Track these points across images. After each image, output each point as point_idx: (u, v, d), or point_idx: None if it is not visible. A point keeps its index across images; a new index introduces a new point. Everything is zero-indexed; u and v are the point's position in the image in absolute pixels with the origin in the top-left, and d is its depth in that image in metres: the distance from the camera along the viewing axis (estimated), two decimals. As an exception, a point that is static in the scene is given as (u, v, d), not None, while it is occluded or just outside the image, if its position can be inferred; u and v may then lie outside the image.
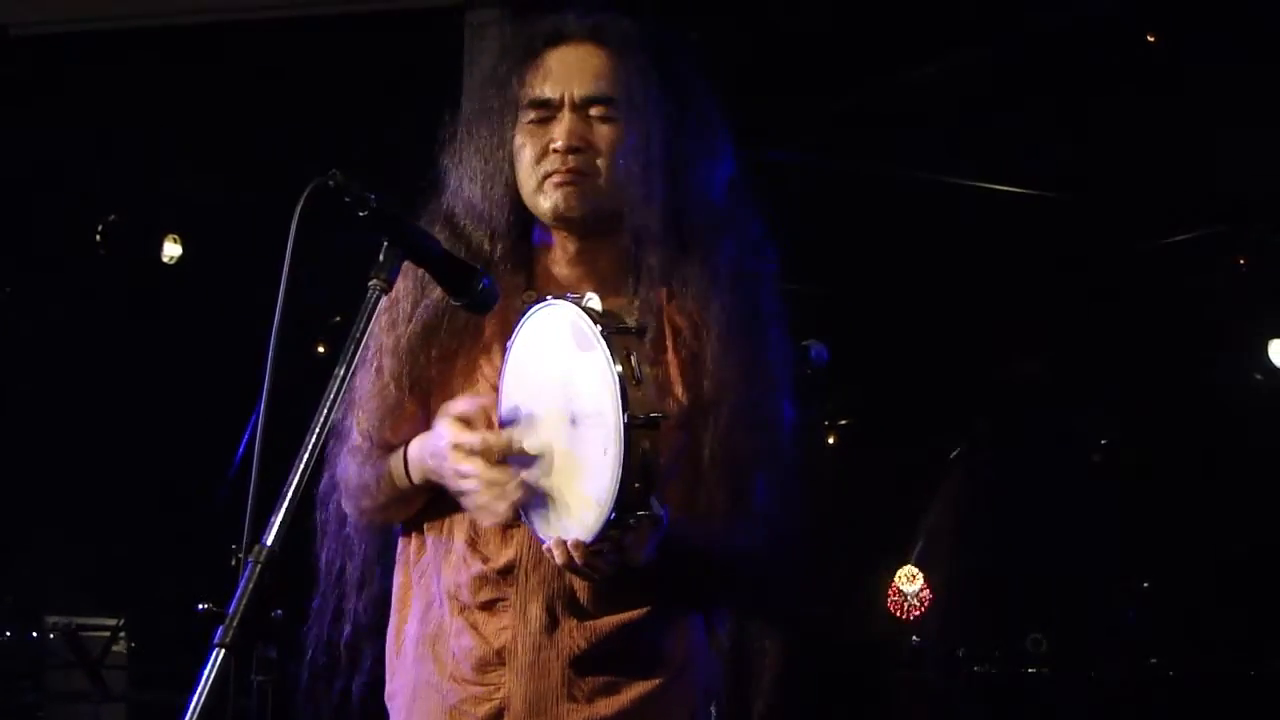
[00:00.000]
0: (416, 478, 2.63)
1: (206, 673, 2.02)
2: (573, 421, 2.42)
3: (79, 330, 7.83)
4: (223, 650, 2.02)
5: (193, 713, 2.00)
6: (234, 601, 2.05)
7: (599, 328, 2.38)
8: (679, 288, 2.68)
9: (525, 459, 2.45)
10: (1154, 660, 8.64)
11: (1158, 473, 8.72)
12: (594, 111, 2.65)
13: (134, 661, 7.10)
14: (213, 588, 2.11)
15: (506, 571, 2.60)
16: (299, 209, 2.27)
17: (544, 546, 2.45)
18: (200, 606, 2.06)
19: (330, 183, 2.26)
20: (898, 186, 7.49)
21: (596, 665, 2.58)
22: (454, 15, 5.83)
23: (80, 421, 7.64)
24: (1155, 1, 6.24)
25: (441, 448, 2.51)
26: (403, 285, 2.58)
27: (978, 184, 7.56)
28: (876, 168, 7.39)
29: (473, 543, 2.63)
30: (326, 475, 2.71)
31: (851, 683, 8.93)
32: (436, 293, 2.62)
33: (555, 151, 2.63)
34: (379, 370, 2.66)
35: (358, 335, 2.26)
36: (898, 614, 9.67)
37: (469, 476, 2.48)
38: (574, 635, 2.58)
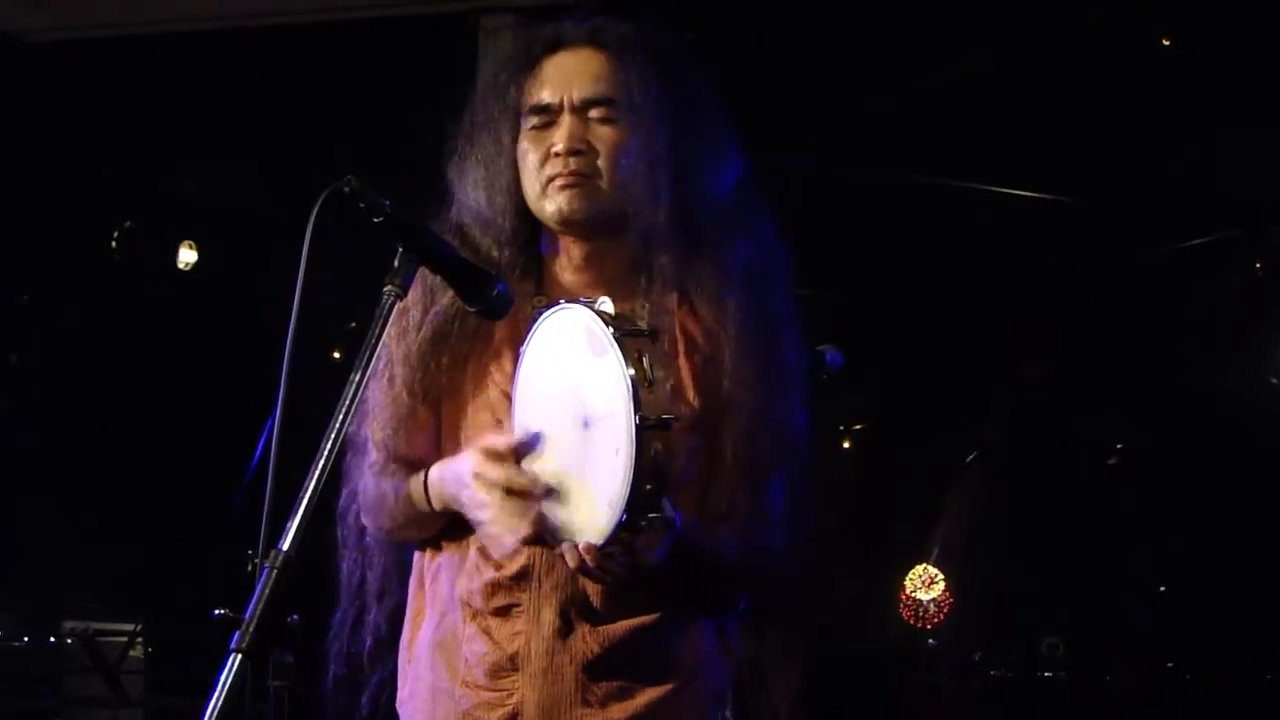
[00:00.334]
0: (436, 504, 2.63)
1: (223, 678, 2.02)
2: (585, 424, 2.42)
3: (94, 336, 7.84)
4: (239, 655, 2.03)
5: (209, 717, 2.00)
6: (250, 607, 2.05)
7: (611, 330, 2.38)
8: (693, 289, 2.68)
9: (542, 491, 2.46)
10: (1170, 665, 8.62)
11: (1172, 477, 8.69)
12: (594, 114, 2.65)
13: (151, 666, 7.11)
14: (229, 593, 2.12)
15: (520, 577, 2.60)
16: (314, 215, 2.27)
17: (556, 550, 2.46)
18: (217, 612, 2.07)
19: (345, 189, 2.27)
20: (917, 192, 7.49)
21: (610, 670, 2.58)
22: (468, 20, 5.83)
23: (96, 427, 7.65)
24: (1169, 4, 6.23)
25: (464, 475, 2.52)
26: (412, 293, 2.58)
27: (991, 188, 7.56)
28: (895, 173, 7.39)
29: (485, 549, 2.63)
30: (345, 490, 2.72)
31: (866, 686, 8.91)
32: (446, 299, 2.62)
33: (556, 155, 2.63)
34: (390, 380, 2.67)
35: (373, 341, 2.26)
36: (914, 622, 9.63)
37: (486, 507, 2.49)
38: (587, 640, 2.58)
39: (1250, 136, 6.66)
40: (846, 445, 9.81)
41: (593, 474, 2.39)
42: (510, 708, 2.59)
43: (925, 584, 9.66)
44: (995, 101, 6.73)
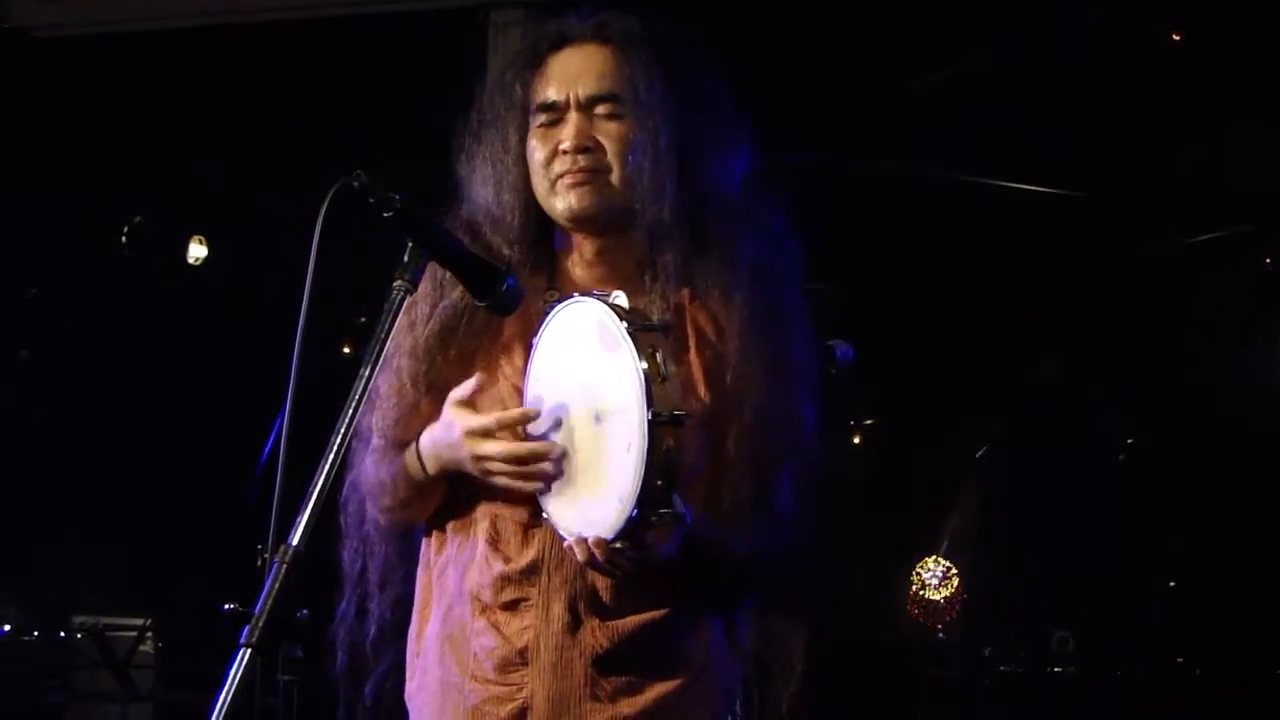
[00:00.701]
0: (432, 468, 2.63)
1: (233, 672, 2.03)
2: (597, 418, 2.42)
3: (104, 331, 7.84)
4: (249, 650, 2.03)
5: (219, 712, 2.01)
6: (260, 601, 2.05)
7: (625, 324, 2.38)
8: (701, 285, 2.68)
9: (544, 433, 2.47)
10: (1180, 660, 8.60)
11: (1183, 472, 8.68)
12: (600, 110, 2.65)
13: (161, 661, 7.11)
14: (239, 588, 2.12)
15: (529, 571, 2.60)
16: (324, 210, 2.27)
17: (565, 544, 2.46)
18: (226, 606, 2.07)
19: (355, 183, 2.27)
20: (927, 188, 7.48)
21: (619, 665, 2.58)
22: (478, 14, 5.83)
23: (106, 422, 7.65)
24: (1169, 4, 6.23)
25: (455, 439, 2.53)
26: (421, 287, 2.58)
27: (1000, 183, 7.55)
28: (904, 167, 7.38)
29: (494, 543, 2.63)
30: (348, 479, 2.72)
31: (876, 681, 8.90)
32: (455, 294, 2.62)
33: (564, 153, 2.63)
34: (397, 371, 2.67)
35: (383, 336, 2.26)
36: (924, 621, 9.60)
37: (490, 458, 2.49)
38: (597, 634, 2.58)
39: (1259, 133, 6.65)
40: (857, 440, 9.80)
41: (604, 469, 2.39)
42: (520, 702, 2.59)
43: (936, 582, 9.62)
44: (1006, 97, 6.72)
